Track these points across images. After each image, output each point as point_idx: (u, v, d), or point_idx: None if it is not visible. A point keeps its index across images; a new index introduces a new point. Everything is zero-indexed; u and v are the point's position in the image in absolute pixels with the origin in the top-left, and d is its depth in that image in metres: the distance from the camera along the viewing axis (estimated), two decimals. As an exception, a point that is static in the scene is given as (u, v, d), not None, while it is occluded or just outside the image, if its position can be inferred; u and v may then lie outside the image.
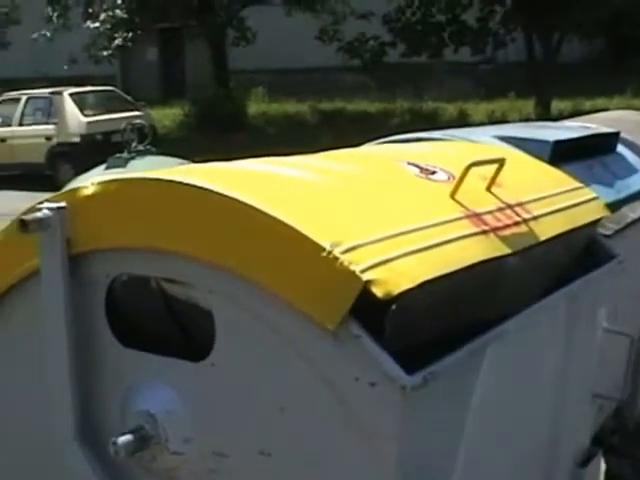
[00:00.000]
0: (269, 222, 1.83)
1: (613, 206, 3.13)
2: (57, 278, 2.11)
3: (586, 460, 2.99)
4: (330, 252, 1.77)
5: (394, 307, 1.84)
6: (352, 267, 1.75)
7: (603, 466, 3.74)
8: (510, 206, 2.39)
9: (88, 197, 2.10)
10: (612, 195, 3.36)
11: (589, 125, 4.27)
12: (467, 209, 2.22)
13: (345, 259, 1.76)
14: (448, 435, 2.01)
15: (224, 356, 1.95)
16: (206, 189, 1.93)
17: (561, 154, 3.24)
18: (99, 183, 2.10)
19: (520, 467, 2.52)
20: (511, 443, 2.40)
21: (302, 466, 1.91)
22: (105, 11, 22.47)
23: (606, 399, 3.21)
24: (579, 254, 2.84)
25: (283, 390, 1.89)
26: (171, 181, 2.01)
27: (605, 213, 2.90)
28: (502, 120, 18.75)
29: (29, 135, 17.23)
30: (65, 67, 22.40)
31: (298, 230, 1.81)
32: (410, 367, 1.79)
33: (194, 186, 1.95)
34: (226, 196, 1.90)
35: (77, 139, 16.75)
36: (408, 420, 1.80)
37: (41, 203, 2.13)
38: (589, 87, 21.17)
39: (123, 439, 1.98)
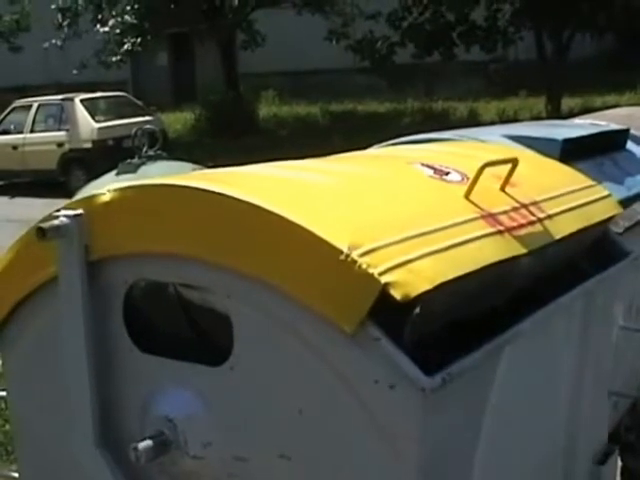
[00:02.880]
0: (287, 226, 1.85)
1: (624, 203, 3.13)
2: (75, 285, 2.13)
3: (604, 458, 3.00)
4: (348, 255, 1.78)
5: (417, 310, 1.86)
6: (370, 270, 1.77)
7: (619, 463, 3.74)
8: (524, 205, 2.40)
9: (106, 203, 2.12)
10: (623, 192, 3.37)
11: (599, 122, 4.27)
12: (482, 209, 2.23)
13: (363, 262, 1.77)
14: (467, 435, 2.02)
15: (243, 360, 1.97)
16: (222, 194, 1.94)
17: (571, 152, 3.25)
18: (116, 189, 2.12)
19: (539, 466, 2.53)
20: (529, 442, 2.40)
21: (322, 469, 1.92)
22: (114, 17, 22.53)
23: (622, 396, 3.21)
24: (593, 251, 2.85)
25: (302, 393, 1.90)
26: (187, 187, 2.02)
27: (618, 210, 2.91)
28: (513, 118, 18.75)
29: (41, 142, 17.30)
30: (74, 71, 22.45)
31: (316, 234, 1.82)
32: (428, 367, 1.81)
33: (210, 191, 1.96)
34: (243, 201, 1.91)
35: (89, 145, 16.81)
36: (428, 421, 1.81)
37: (58, 210, 2.14)
38: (600, 84, 21.13)
39: (143, 444, 2.00)
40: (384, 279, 1.76)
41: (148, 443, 2.00)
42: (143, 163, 6.65)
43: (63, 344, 2.19)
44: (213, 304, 2.04)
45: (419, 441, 1.80)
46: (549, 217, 2.44)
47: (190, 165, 6.98)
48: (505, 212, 2.30)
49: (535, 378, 2.34)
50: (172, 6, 21.80)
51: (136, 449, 1.99)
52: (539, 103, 21.11)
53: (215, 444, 2.03)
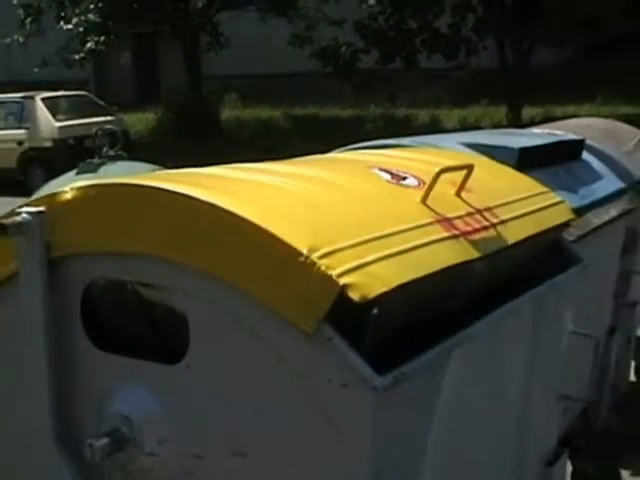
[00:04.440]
0: (247, 227, 1.88)
1: (577, 212, 3.20)
2: (36, 281, 2.14)
3: (553, 460, 3.06)
4: (308, 257, 1.82)
5: (375, 311, 1.90)
6: (329, 272, 1.80)
7: (570, 468, 3.81)
8: (479, 211, 2.45)
9: (67, 201, 2.13)
10: (576, 201, 3.43)
11: (555, 132, 4.35)
12: (438, 214, 2.28)
13: (322, 264, 1.81)
14: (418, 434, 2.06)
15: (199, 358, 1.99)
16: (182, 194, 1.97)
17: (527, 161, 3.30)
18: (77, 188, 2.13)
19: (488, 466, 2.58)
20: (479, 442, 2.45)
21: (276, 466, 1.95)
22: (77, 15, 22.38)
23: (573, 401, 3.28)
24: (546, 258, 2.91)
25: (257, 391, 1.93)
26: (147, 186, 2.05)
27: (571, 216, 2.97)
28: (474, 126, 18.90)
29: (0, 140, 17.12)
30: (36, 69, 22.27)
31: (276, 235, 1.85)
32: (384, 368, 1.84)
33: (170, 191, 1.99)
34: (203, 201, 1.94)
35: (49, 144, 16.66)
36: (379, 419, 1.84)
37: (21, 207, 2.16)
38: (561, 94, 21.34)
39: (99, 441, 2.02)
40: (342, 281, 1.80)
41: (104, 440, 2.02)
42: (103, 163, 6.63)
43: (22, 341, 2.20)
44: (170, 303, 2.06)
45: (371, 439, 1.83)
46: (503, 222, 2.49)
47: (150, 166, 6.96)
48: (460, 217, 2.35)
49: (485, 380, 2.39)
50: (135, 6, 21.69)
51: (92, 446, 2.00)
52: (500, 111, 21.31)
53: (171, 441, 2.05)
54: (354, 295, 1.80)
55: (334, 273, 1.81)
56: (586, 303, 3.21)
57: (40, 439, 2.19)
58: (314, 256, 1.82)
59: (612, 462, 4.43)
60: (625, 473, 4.44)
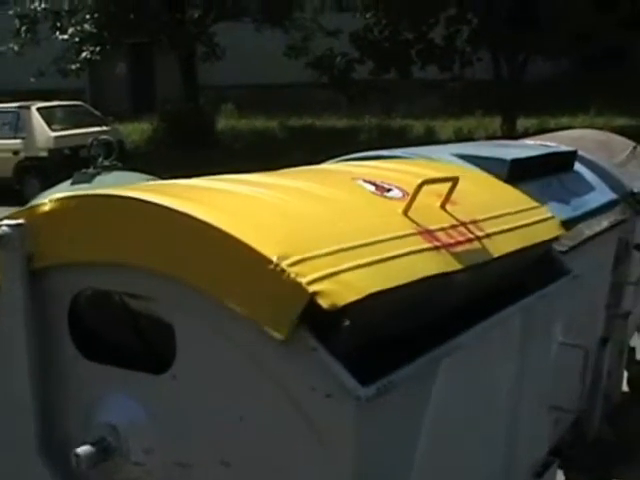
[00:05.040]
0: (218, 235, 1.89)
1: (569, 223, 3.20)
2: (17, 293, 2.15)
3: (542, 471, 3.06)
4: (277, 265, 1.82)
5: (354, 321, 1.90)
6: (299, 279, 1.81)
7: (562, 479, 3.81)
8: (463, 223, 2.45)
9: (49, 213, 2.15)
10: (568, 212, 3.44)
11: (548, 143, 4.35)
12: (419, 225, 2.28)
13: (292, 271, 1.82)
14: (403, 445, 2.06)
15: (185, 368, 2.00)
16: (157, 204, 1.98)
17: (519, 172, 3.30)
18: (59, 199, 2.15)
19: (476, 477, 2.58)
20: (467, 454, 2.45)
21: (262, 475, 1.95)
22: (73, 25, 22.43)
23: (564, 411, 3.27)
24: (536, 270, 2.91)
25: (242, 401, 1.93)
26: (124, 197, 2.06)
27: (560, 232, 2.96)
28: (469, 137, 18.95)
29: (-4, 149, 17.14)
30: (32, 79, 22.31)
31: (247, 243, 1.86)
32: (367, 378, 1.84)
33: (146, 201, 2.01)
34: (176, 210, 1.95)
35: (45, 154, 16.68)
36: (363, 430, 1.84)
37: (1, 220, 2.17)
38: (555, 105, 21.40)
39: (85, 450, 2.02)
40: (312, 288, 1.80)
41: (89, 449, 2.02)
42: (98, 173, 6.63)
43: (5, 351, 2.20)
44: (157, 313, 2.07)
45: (354, 449, 1.84)
46: (487, 236, 2.48)
47: (145, 176, 6.96)
48: (443, 229, 2.34)
49: (473, 390, 2.39)
50: (132, 16, 21.73)
51: (77, 455, 2.01)
52: (495, 122, 21.36)
53: (157, 450, 2.05)
54: (324, 303, 1.80)
55: (304, 281, 1.81)
56: (576, 314, 3.20)
57: (24, 448, 2.19)
58: (284, 263, 1.83)
59: (604, 473, 4.43)
60: (617, 484, 4.45)
